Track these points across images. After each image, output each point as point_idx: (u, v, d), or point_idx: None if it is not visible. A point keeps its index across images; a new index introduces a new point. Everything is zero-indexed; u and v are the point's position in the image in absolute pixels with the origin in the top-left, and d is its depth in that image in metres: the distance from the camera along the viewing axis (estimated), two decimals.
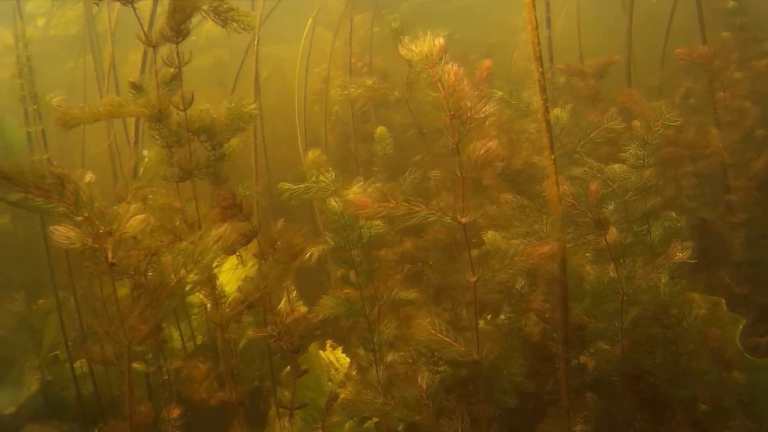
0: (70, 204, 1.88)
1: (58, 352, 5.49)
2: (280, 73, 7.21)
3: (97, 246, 2.00)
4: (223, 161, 3.09)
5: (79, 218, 1.93)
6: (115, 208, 2.03)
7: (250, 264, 4.01)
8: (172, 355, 4.50)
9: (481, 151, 2.40)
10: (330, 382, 4.70)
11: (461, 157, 2.36)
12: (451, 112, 2.36)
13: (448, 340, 2.48)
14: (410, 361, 3.42)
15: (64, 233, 1.97)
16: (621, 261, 3.13)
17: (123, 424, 2.39)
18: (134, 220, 1.97)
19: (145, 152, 2.26)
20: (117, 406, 4.73)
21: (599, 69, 4.74)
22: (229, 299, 2.79)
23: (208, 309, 5.23)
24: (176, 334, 5.11)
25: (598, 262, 3.24)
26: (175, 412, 3.07)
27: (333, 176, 3.07)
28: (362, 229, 2.96)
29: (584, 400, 3.28)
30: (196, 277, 1.92)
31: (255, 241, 3.33)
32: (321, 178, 3.08)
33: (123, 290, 5.78)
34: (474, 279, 2.46)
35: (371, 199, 2.20)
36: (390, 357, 3.24)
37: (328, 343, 4.85)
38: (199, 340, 5.29)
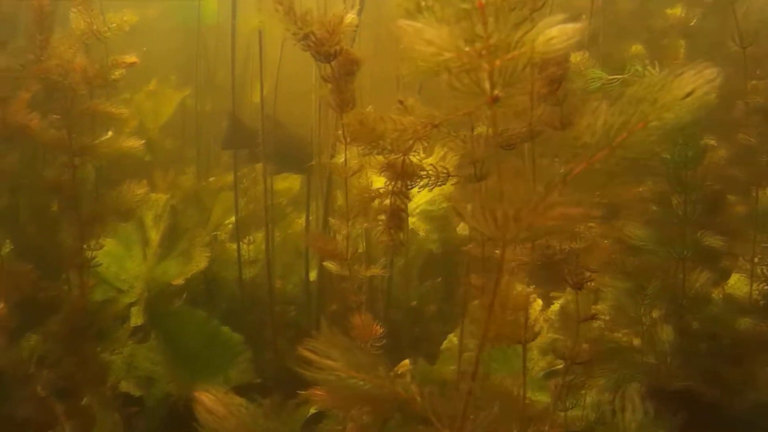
0: None
1: (218, 233, 4.88)
2: None
3: (480, 66, 1.16)
4: None
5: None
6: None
7: None
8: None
9: None
10: None
11: None
12: None
13: None
14: None
15: (427, 35, 1.12)
16: None
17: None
18: (562, 29, 1.11)
19: None
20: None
21: None
22: None
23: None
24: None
25: None
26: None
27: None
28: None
29: None
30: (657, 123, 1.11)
31: None
32: (646, 71, 2.18)
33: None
34: None
35: None
36: None
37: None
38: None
